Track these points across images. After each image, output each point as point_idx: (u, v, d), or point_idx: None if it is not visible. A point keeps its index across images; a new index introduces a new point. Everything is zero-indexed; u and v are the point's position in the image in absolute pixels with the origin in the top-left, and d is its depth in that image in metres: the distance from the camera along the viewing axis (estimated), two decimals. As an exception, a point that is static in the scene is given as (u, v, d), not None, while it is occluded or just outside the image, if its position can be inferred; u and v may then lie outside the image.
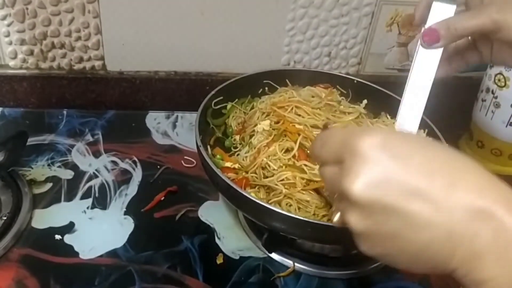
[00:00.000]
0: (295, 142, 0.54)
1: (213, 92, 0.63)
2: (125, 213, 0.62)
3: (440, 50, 0.48)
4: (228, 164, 0.58)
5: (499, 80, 0.71)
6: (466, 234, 0.29)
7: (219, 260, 0.57)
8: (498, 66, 0.50)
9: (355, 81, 0.70)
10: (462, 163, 0.31)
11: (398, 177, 0.30)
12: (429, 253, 0.30)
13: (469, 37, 0.51)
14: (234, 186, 0.50)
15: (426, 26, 0.48)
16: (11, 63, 0.78)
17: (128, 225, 0.60)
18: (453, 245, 0.29)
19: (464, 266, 0.29)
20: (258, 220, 0.53)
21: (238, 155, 0.60)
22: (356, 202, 0.31)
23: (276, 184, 0.53)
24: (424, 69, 0.49)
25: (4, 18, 0.73)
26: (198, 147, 0.55)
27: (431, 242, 0.30)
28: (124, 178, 0.67)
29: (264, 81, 0.68)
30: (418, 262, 0.31)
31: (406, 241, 0.30)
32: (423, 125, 0.61)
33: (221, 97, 0.65)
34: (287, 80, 0.69)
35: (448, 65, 0.52)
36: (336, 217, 0.35)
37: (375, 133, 0.32)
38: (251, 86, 0.67)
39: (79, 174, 0.67)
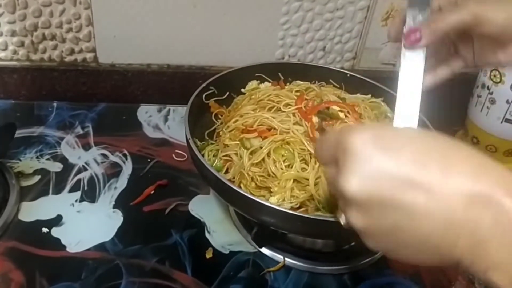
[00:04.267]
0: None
1: (203, 85, 0.62)
2: (114, 207, 0.61)
3: (424, 50, 0.48)
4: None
5: (494, 76, 0.70)
6: (465, 221, 0.28)
7: (209, 254, 0.57)
8: (484, 68, 0.49)
9: (348, 75, 0.69)
10: (456, 149, 0.30)
11: (391, 170, 0.29)
12: (431, 244, 0.30)
13: (451, 45, 0.52)
14: (223, 180, 0.50)
15: (405, 28, 0.48)
16: (1, 54, 0.77)
17: (116, 219, 0.59)
18: (453, 233, 0.28)
19: (468, 255, 0.29)
20: (247, 214, 0.52)
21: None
22: (352, 199, 0.31)
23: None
24: (412, 71, 0.49)
25: (-6, 8, 0.72)
26: (187, 140, 0.55)
27: (431, 233, 0.29)
28: (113, 171, 0.66)
29: (256, 75, 0.67)
30: (423, 254, 0.31)
31: (406, 234, 0.30)
32: (418, 122, 0.61)
33: (212, 90, 0.64)
34: (279, 74, 0.68)
35: (434, 74, 0.52)
36: (342, 220, 0.35)
37: (365, 129, 0.32)
38: (243, 79, 0.66)
39: (68, 167, 0.66)
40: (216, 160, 0.57)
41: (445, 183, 0.29)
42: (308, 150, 0.53)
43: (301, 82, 0.66)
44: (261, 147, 0.54)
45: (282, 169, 0.52)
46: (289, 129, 0.55)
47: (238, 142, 0.56)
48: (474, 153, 0.30)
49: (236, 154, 0.56)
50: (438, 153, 0.30)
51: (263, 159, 0.53)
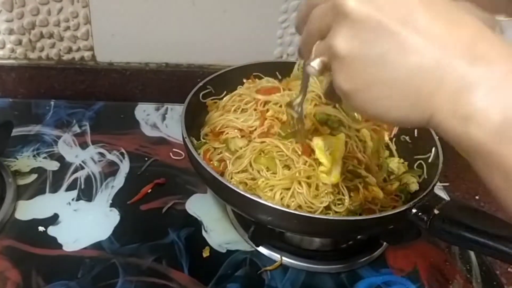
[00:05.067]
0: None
1: (200, 84, 0.62)
2: (111, 205, 0.61)
3: None
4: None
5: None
6: (457, 67, 0.27)
7: (206, 253, 0.56)
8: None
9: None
10: (464, 11, 0.29)
11: (394, 2, 0.28)
12: (412, 85, 0.28)
13: None
14: (220, 178, 0.49)
15: None
16: (-1, 53, 0.77)
17: (113, 217, 0.59)
18: (441, 73, 0.27)
19: (450, 100, 0.27)
20: (244, 213, 0.52)
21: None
22: (348, 15, 0.29)
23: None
24: None
25: (-8, 7, 0.72)
26: (183, 138, 0.55)
27: (418, 68, 0.28)
28: (111, 170, 0.66)
29: (254, 74, 0.67)
30: (398, 96, 0.29)
31: (391, 67, 0.28)
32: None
33: (209, 89, 0.64)
34: (277, 73, 0.68)
35: None
36: (316, 62, 0.33)
37: None
38: (240, 78, 0.66)
39: (65, 165, 0.66)
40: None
41: (451, 32, 0.28)
42: (286, 155, 0.53)
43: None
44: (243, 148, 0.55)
45: (268, 179, 0.52)
46: (253, 126, 0.56)
47: (224, 144, 0.56)
48: (475, 19, 0.29)
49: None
50: (450, 7, 0.29)
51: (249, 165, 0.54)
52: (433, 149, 0.57)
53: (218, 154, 0.56)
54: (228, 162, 0.55)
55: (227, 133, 0.57)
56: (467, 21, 0.28)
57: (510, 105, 0.26)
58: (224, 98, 0.63)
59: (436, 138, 0.57)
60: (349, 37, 0.29)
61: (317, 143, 0.51)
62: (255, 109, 0.58)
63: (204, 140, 0.59)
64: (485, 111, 0.26)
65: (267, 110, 0.58)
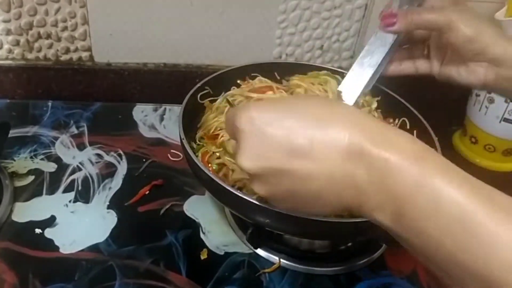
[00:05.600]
0: None
1: (198, 85, 0.62)
2: (108, 207, 0.60)
3: (395, 37, 0.52)
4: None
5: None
6: (344, 176, 0.32)
7: (203, 255, 0.56)
8: (446, 81, 0.54)
9: (346, 74, 0.68)
10: (333, 108, 0.34)
11: (275, 142, 0.33)
12: (322, 199, 0.34)
13: (426, 48, 0.56)
14: (217, 180, 0.49)
15: (385, 11, 0.52)
16: (-4, 53, 0.77)
17: (111, 219, 0.59)
18: (338, 187, 0.33)
19: (354, 202, 0.33)
20: (242, 215, 0.52)
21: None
22: (250, 173, 0.35)
23: None
24: (376, 50, 0.53)
25: (-11, 7, 0.72)
26: (181, 140, 0.54)
27: (319, 191, 0.33)
28: (108, 171, 0.66)
29: (252, 74, 0.66)
30: (319, 208, 0.36)
31: (301, 194, 0.34)
32: (415, 120, 0.61)
33: (208, 90, 0.63)
34: (275, 73, 0.67)
35: (399, 65, 0.56)
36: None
37: (247, 108, 0.35)
38: (239, 79, 0.66)
39: (62, 167, 0.65)
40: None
41: (323, 142, 0.32)
42: None
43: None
44: None
45: None
46: None
47: (221, 148, 0.56)
48: (351, 110, 0.34)
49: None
50: (316, 115, 0.33)
51: None
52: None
53: (217, 158, 0.55)
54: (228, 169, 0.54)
55: (222, 135, 0.56)
56: (338, 123, 0.32)
57: (395, 198, 0.30)
58: (218, 100, 0.63)
59: (436, 139, 0.57)
60: (260, 186, 0.36)
61: None
62: None
63: (201, 143, 0.59)
64: (382, 206, 0.31)
65: None
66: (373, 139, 0.31)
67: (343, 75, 0.57)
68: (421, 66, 0.56)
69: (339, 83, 0.58)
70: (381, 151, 0.31)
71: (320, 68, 0.68)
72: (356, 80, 0.54)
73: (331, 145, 0.32)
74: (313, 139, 0.32)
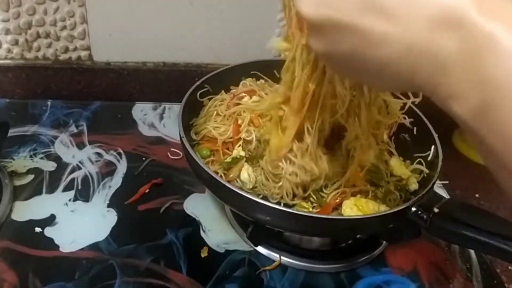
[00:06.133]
0: None
1: (197, 84, 0.62)
2: (108, 206, 0.60)
3: None
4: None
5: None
6: (427, 46, 0.26)
7: (204, 253, 0.56)
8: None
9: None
10: None
11: None
12: (390, 70, 0.28)
13: None
14: (218, 178, 0.49)
15: None
16: (-4, 53, 0.77)
17: (111, 218, 0.59)
18: (414, 59, 0.27)
19: (429, 82, 0.27)
20: (242, 212, 0.52)
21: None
22: (309, 22, 0.31)
23: None
24: None
25: (-13, 7, 0.72)
26: (181, 138, 0.54)
27: (388, 60, 0.28)
28: (108, 170, 0.66)
29: (251, 72, 0.66)
30: (383, 81, 0.30)
31: (364, 60, 0.29)
32: (415, 117, 0.60)
33: (207, 88, 0.63)
34: (275, 71, 0.67)
35: None
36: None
37: None
38: (238, 77, 0.66)
39: (62, 165, 0.65)
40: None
41: (411, 4, 0.26)
42: None
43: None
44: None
45: None
46: (225, 131, 0.58)
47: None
48: None
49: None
50: None
51: None
52: (433, 147, 0.57)
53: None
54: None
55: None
56: None
57: (486, 84, 0.24)
58: (209, 103, 0.63)
59: (436, 136, 0.57)
60: (318, 41, 0.31)
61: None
62: (226, 116, 0.59)
63: (197, 141, 0.59)
64: (464, 93, 0.26)
65: (239, 114, 0.58)
66: (481, 6, 0.25)
67: None
68: None
69: None
70: (490, 23, 0.24)
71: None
72: None
73: (421, 6, 0.26)
74: (393, 1, 0.26)
